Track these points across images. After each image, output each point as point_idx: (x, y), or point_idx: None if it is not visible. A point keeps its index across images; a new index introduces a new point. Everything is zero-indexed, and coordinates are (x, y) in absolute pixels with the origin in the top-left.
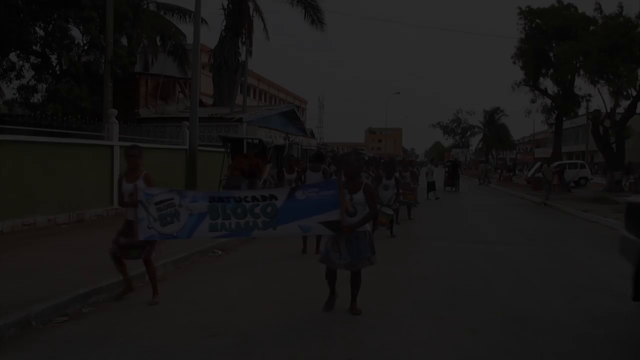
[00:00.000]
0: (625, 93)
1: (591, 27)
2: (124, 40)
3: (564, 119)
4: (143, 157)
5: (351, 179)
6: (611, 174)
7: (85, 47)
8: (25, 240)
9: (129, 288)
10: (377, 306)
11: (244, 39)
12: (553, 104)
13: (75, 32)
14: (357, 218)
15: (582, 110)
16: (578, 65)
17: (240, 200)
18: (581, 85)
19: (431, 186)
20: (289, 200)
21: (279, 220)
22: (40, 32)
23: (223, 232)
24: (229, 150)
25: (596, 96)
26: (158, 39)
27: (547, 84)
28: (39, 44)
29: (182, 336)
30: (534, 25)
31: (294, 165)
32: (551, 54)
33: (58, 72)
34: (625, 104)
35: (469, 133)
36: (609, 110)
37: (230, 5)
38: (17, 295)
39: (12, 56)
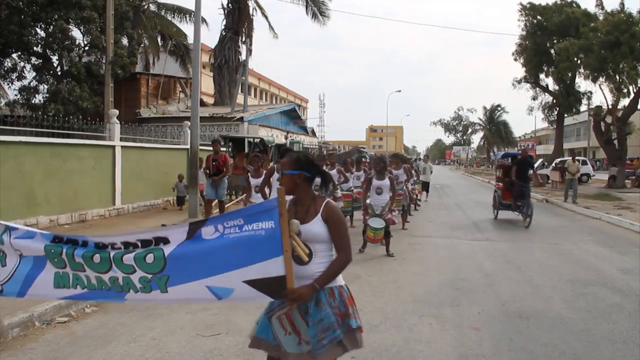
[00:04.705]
0: (626, 90)
1: (592, 24)
2: (125, 41)
3: (565, 115)
4: None
5: (299, 197)
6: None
7: (86, 48)
8: None
9: None
10: (379, 304)
11: (244, 38)
12: (554, 100)
13: (76, 33)
14: (313, 268)
15: (583, 107)
16: (579, 62)
17: (104, 247)
18: (582, 82)
19: (425, 186)
20: (190, 242)
21: (170, 277)
22: (41, 33)
23: (78, 291)
24: (230, 149)
25: (597, 92)
26: (159, 38)
27: (548, 81)
28: (40, 45)
29: (185, 336)
30: (535, 22)
31: (259, 164)
32: (552, 51)
33: (59, 73)
34: (627, 100)
35: (470, 130)
36: (610, 107)
37: (229, 5)
38: None
39: (14, 57)
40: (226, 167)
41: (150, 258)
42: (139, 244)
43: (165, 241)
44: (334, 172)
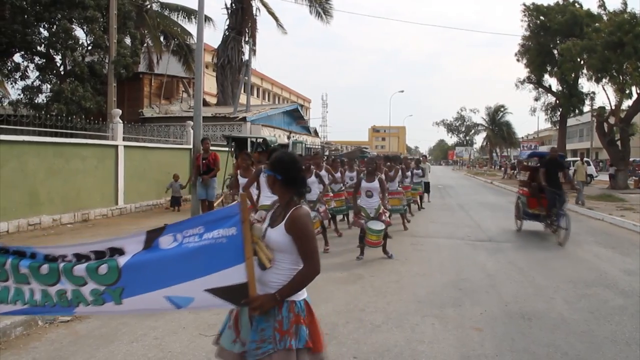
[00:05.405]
0: (629, 91)
1: (595, 24)
2: (128, 40)
3: (568, 116)
4: None
5: (279, 198)
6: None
7: (89, 48)
8: (30, 240)
9: None
10: (381, 304)
11: (247, 38)
12: (557, 101)
13: (79, 33)
14: (268, 277)
15: (586, 108)
16: (582, 62)
17: (55, 260)
18: (585, 82)
19: (426, 187)
20: (147, 252)
21: (125, 288)
22: (45, 33)
23: (18, 307)
24: (233, 149)
25: (600, 93)
26: (162, 38)
27: (552, 81)
28: (43, 45)
29: (187, 335)
30: (538, 22)
31: (248, 162)
32: (555, 51)
33: (62, 73)
34: (630, 100)
35: (472, 131)
36: (613, 107)
37: (233, 5)
38: None
39: (17, 57)
40: (216, 165)
41: (103, 269)
42: (92, 256)
43: (120, 252)
44: (323, 173)
